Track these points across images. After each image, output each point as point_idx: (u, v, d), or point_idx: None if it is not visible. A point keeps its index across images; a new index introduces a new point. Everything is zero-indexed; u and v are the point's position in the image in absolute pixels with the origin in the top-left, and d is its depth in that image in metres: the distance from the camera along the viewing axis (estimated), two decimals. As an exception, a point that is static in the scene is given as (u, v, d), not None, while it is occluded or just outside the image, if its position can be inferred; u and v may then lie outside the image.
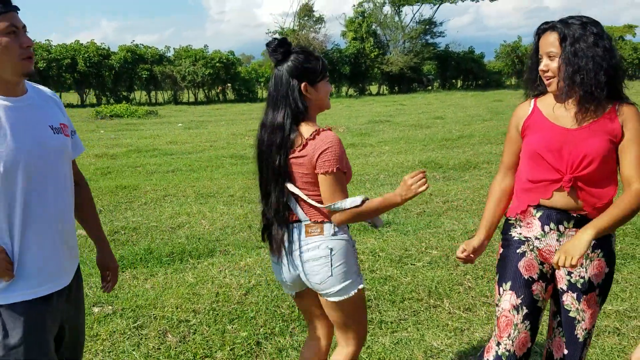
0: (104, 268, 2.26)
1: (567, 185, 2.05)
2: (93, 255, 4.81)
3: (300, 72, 2.08)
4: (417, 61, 38.50)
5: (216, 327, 3.44)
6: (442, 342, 3.24)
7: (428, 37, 40.67)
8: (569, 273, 2.14)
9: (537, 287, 2.17)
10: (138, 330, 3.41)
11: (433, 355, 3.13)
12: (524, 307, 2.14)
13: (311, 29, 36.41)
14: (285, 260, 2.18)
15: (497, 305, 2.22)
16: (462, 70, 41.05)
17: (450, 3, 40.68)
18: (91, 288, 4.04)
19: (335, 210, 2.05)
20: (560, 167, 2.06)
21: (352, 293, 2.15)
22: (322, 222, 2.10)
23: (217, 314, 3.61)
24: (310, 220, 2.11)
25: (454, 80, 42.31)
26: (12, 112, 1.74)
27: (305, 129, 2.08)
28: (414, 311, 3.66)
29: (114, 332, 3.37)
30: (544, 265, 2.18)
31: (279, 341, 3.28)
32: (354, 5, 40.98)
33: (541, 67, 2.09)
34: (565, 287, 2.16)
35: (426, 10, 67.99)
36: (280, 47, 2.09)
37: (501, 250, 2.29)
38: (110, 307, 3.71)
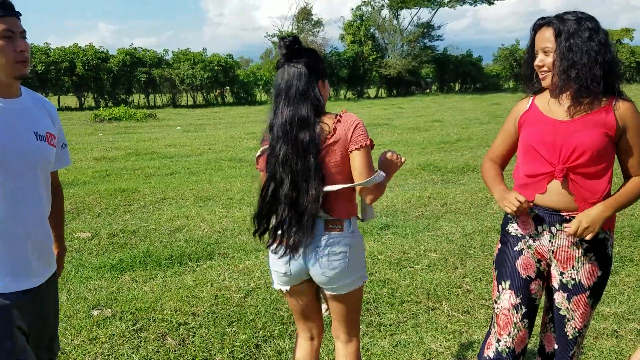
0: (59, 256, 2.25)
1: (559, 175, 2.06)
2: (92, 258, 4.83)
3: (316, 69, 2.14)
4: (415, 64, 38.63)
5: (215, 329, 3.45)
6: (440, 345, 3.25)
7: (426, 40, 40.84)
8: (561, 273, 2.16)
9: (534, 286, 2.20)
10: (137, 333, 3.41)
11: (432, 357, 3.13)
12: (523, 307, 2.18)
13: (310, 32, 36.49)
14: (285, 253, 2.20)
15: (495, 301, 2.26)
16: (460, 73, 41.17)
17: (449, 7, 40.84)
18: (90, 291, 4.04)
19: (372, 183, 2.11)
20: (552, 160, 2.07)
21: (360, 285, 2.30)
22: (342, 220, 2.17)
23: (217, 317, 3.61)
24: (331, 216, 2.16)
25: (452, 84, 42.41)
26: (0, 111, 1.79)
27: (327, 118, 2.13)
28: (412, 314, 3.66)
29: (113, 335, 3.37)
30: (541, 263, 2.20)
31: (278, 344, 3.28)
32: (353, 9, 41.17)
33: (536, 62, 2.11)
34: (556, 286, 2.19)
35: (424, 14, 68.37)
36: (295, 43, 2.12)
37: (499, 245, 2.32)
38: (109, 310, 3.71)
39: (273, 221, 2.19)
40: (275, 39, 36.92)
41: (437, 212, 6.26)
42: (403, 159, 2.26)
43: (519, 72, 2.35)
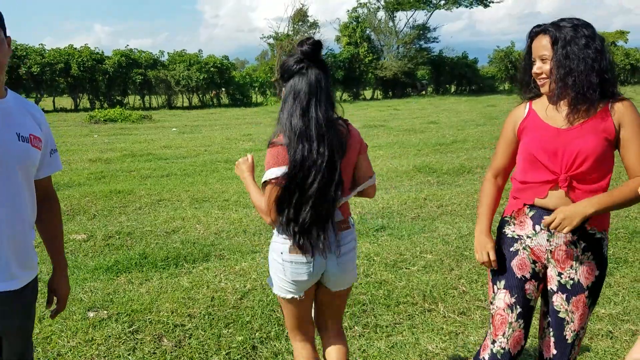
0: (51, 290, 2.15)
1: (563, 185, 2.07)
2: (87, 260, 4.82)
3: (329, 73, 2.22)
4: (411, 66, 38.72)
5: (212, 331, 3.45)
6: (437, 346, 3.26)
7: (422, 42, 40.98)
8: (560, 274, 2.16)
9: (529, 287, 2.21)
10: (133, 334, 3.41)
11: (428, 358, 3.14)
12: (518, 306, 2.19)
13: (306, 34, 36.49)
14: (319, 258, 2.21)
15: (491, 303, 2.26)
16: (455, 75, 41.29)
17: (445, 9, 40.98)
18: (86, 293, 4.03)
19: (374, 181, 2.33)
20: (555, 168, 2.07)
21: (356, 275, 2.43)
22: (348, 217, 2.29)
23: (213, 319, 3.61)
24: (342, 216, 2.26)
25: (447, 86, 42.52)
26: None
27: (339, 121, 2.23)
28: (408, 315, 3.67)
29: (109, 336, 3.37)
30: (536, 265, 2.21)
31: (275, 345, 3.28)
32: (348, 10, 41.24)
33: (534, 69, 2.11)
34: (555, 288, 2.19)
35: (420, 16, 68.41)
36: (320, 45, 2.17)
37: (496, 246, 2.31)
38: (105, 311, 3.71)
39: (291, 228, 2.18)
40: (271, 41, 36.95)
41: (433, 213, 6.28)
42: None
43: (515, 74, 2.36)
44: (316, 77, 2.12)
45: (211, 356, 3.17)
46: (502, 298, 2.21)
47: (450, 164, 9.31)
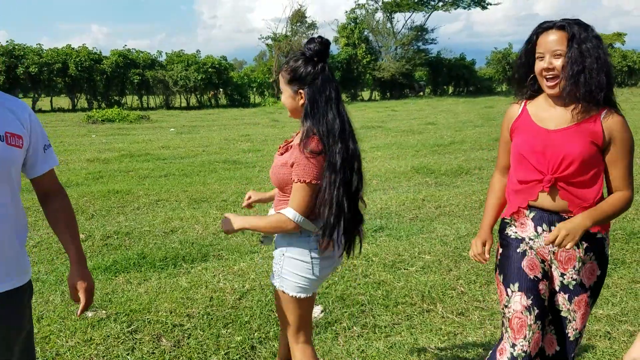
0: (72, 286, 1.98)
1: (546, 186, 2.09)
2: (86, 259, 4.80)
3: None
4: (409, 67, 38.75)
5: (210, 331, 3.45)
6: (435, 346, 3.27)
7: (420, 43, 40.98)
8: (562, 274, 2.17)
9: (542, 287, 2.17)
10: (132, 334, 3.40)
11: (426, 359, 3.15)
12: (535, 308, 2.13)
13: (304, 35, 36.49)
14: (338, 252, 2.30)
15: (505, 306, 2.19)
16: (453, 76, 41.38)
17: (443, 10, 41.03)
18: (84, 292, 4.02)
19: None
20: (542, 169, 2.10)
21: None
22: None
23: (212, 319, 3.61)
24: None
25: (445, 87, 42.61)
26: None
27: None
28: (407, 315, 3.68)
29: (108, 336, 3.37)
30: (545, 264, 2.20)
31: (274, 345, 3.28)
32: (347, 12, 41.24)
33: (544, 65, 2.07)
34: (557, 288, 2.19)
35: (418, 17, 68.50)
36: (329, 44, 2.21)
37: (501, 249, 2.29)
38: (104, 311, 3.70)
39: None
40: (269, 41, 36.95)
41: (431, 214, 6.29)
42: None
43: (511, 74, 2.35)
44: (334, 75, 2.20)
45: (210, 356, 3.17)
46: (518, 301, 2.14)
47: (448, 165, 9.32)
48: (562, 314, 2.20)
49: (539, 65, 2.10)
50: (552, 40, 2.05)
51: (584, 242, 2.13)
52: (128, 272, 4.48)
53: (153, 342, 3.32)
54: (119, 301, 3.86)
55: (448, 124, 17.20)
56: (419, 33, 40.55)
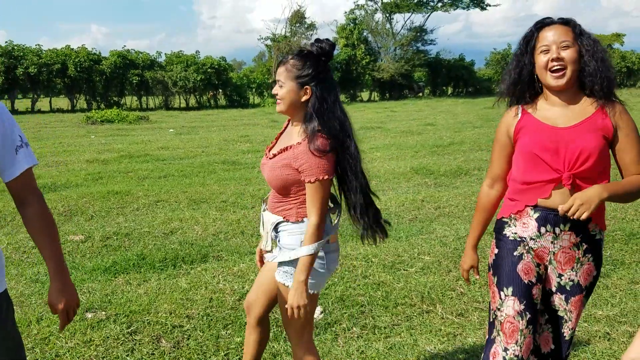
0: (51, 304, 1.83)
1: (567, 183, 2.06)
2: (85, 261, 4.81)
3: None
4: (408, 68, 38.75)
5: (210, 332, 3.45)
6: (435, 347, 3.27)
7: (419, 44, 40.98)
8: (560, 275, 2.17)
9: (536, 291, 2.17)
10: (132, 335, 3.40)
11: (426, 359, 3.15)
12: (527, 313, 2.13)
13: (303, 36, 36.50)
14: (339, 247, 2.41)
15: (498, 309, 2.19)
16: (452, 77, 41.40)
17: (442, 11, 41.06)
18: (84, 294, 4.03)
19: None
20: (558, 166, 2.07)
21: None
22: None
23: (211, 320, 3.61)
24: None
25: (444, 87, 42.62)
26: None
27: None
28: (407, 316, 3.68)
29: (108, 337, 3.37)
30: (540, 267, 2.19)
31: (273, 346, 3.28)
32: (346, 12, 41.22)
33: (552, 56, 2.06)
34: (554, 289, 2.20)
35: (417, 18, 68.54)
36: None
37: (496, 250, 2.27)
38: (103, 312, 3.70)
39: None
40: (269, 42, 36.95)
41: (431, 215, 6.29)
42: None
43: (506, 79, 2.32)
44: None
45: (209, 357, 3.17)
46: (510, 305, 2.15)
47: (447, 166, 9.33)
48: (559, 313, 2.21)
49: (543, 58, 2.09)
50: (557, 33, 2.07)
51: (584, 244, 2.13)
52: (128, 273, 4.48)
53: (153, 343, 3.32)
54: (119, 302, 3.86)
55: (447, 125, 17.21)
56: (418, 34, 40.56)
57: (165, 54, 33.91)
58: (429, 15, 41.09)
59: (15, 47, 28.86)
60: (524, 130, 2.17)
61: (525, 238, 2.18)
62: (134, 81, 30.90)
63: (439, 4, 40.79)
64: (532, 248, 2.18)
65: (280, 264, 2.30)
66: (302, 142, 2.19)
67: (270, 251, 2.42)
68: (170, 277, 4.39)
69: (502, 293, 2.19)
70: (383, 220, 2.38)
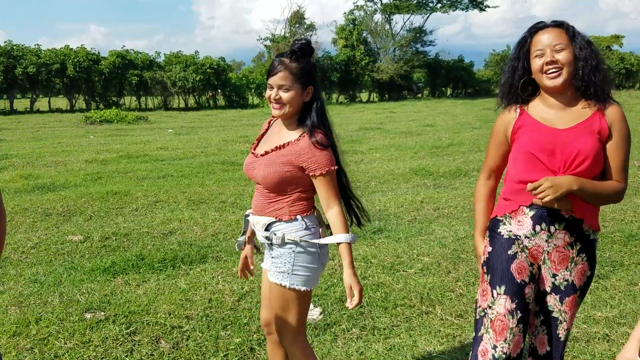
0: None
1: None
2: (84, 261, 4.81)
3: None
4: (407, 69, 38.75)
5: (209, 333, 3.44)
6: (434, 348, 3.27)
7: (418, 45, 40.96)
8: (554, 275, 2.18)
9: (528, 290, 2.18)
10: (131, 336, 3.40)
11: (426, 361, 3.15)
12: (519, 312, 2.15)
13: (302, 36, 36.48)
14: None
15: (489, 307, 2.20)
16: (451, 78, 41.40)
17: (441, 12, 41.08)
18: (83, 294, 4.02)
19: None
20: (553, 167, 2.08)
21: None
22: None
23: (210, 320, 3.61)
24: None
25: (443, 89, 42.62)
26: None
27: None
28: (406, 317, 3.68)
29: (107, 338, 3.36)
30: (533, 267, 2.20)
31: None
32: (345, 13, 41.24)
33: (547, 59, 2.07)
34: (548, 289, 2.21)
35: (417, 19, 68.52)
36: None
37: (490, 248, 2.27)
38: (102, 313, 3.70)
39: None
40: (268, 42, 36.94)
41: (430, 216, 6.29)
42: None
43: (502, 81, 2.33)
44: None
45: (209, 358, 3.17)
46: (502, 304, 2.17)
47: (446, 167, 9.33)
48: (554, 314, 2.21)
49: (538, 62, 2.10)
50: (551, 36, 2.08)
51: (578, 243, 2.14)
52: (127, 274, 4.47)
53: (152, 343, 3.32)
54: (118, 303, 3.85)
55: (446, 126, 17.22)
56: (418, 35, 40.55)
57: (164, 54, 33.89)
58: (428, 17, 41.11)
59: (14, 47, 28.81)
60: (522, 130, 2.18)
61: (520, 236, 2.19)
62: (133, 81, 30.85)
63: (438, 5, 40.82)
64: (526, 247, 2.18)
65: (275, 264, 2.30)
66: (301, 139, 2.22)
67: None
68: (169, 278, 4.39)
69: (494, 291, 2.19)
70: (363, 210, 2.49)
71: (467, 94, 41.28)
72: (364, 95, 41.42)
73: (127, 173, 9.20)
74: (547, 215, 2.13)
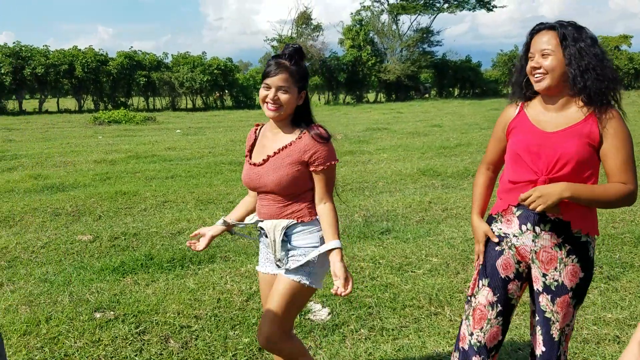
0: None
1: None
2: (94, 260, 4.83)
3: None
4: (414, 69, 38.71)
5: (218, 333, 3.45)
6: (443, 350, 3.26)
7: (425, 45, 40.91)
8: (544, 275, 2.20)
9: (512, 286, 2.27)
10: (140, 335, 3.41)
11: (435, 362, 3.14)
12: (499, 305, 2.26)
13: (309, 37, 36.54)
14: None
15: (473, 295, 2.33)
16: (459, 78, 41.32)
17: (448, 12, 40.99)
18: (92, 293, 4.04)
19: None
20: (537, 169, 2.11)
21: None
22: None
23: (219, 320, 3.62)
24: None
25: (450, 89, 42.53)
26: None
27: None
28: (415, 318, 3.67)
29: (116, 337, 3.38)
30: (520, 265, 2.26)
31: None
32: (352, 13, 41.24)
33: (532, 64, 2.12)
34: (540, 289, 2.23)
35: (424, 19, 68.43)
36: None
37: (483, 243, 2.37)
38: (112, 312, 3.71)
39: None
40: (275, 43, 36.99)
41: (438, 217, 6.28)
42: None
43: (510, 76, 2.36)
44: None
45: (217, 358, 3.18)
46: (484, 295, 2.28)
47: (454, 167, 9.30)
48: (547, 315, 2.23)
49: (529, 65, 2.14)
50: (542, 40, 2.10)
51: (566, 245, 2.14)
52: (136, 273, 4.49)
53: (161, 343, 3.33)
54: (127, 302, 3.87)
55: (454, 126, 17.17)
56: (424, 35, 40.49)
57: (172, 55, 34.07)
58: (435, 17, 41.03)
59: (23, 48, 29.04)
60: (515, 131, 2.24)
61: (508, 234, 2.25)
62: (141, 82, 31.02)
63: (445, 5, 40.73)
64: (514, 245, 2.24)
65: (295, 261, 2.30)
66: (302, 136, 2.26)
67: (279, 260, 2.39)
68: (178, 278, 4.40)
69: (480, 282, 2.32)
70: None
71: (475, 94, 41.17)
72: (371, 96, 41.40)
73: (135, 173, 9.24)
74: (532, 216, 2.16)
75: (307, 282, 2.30)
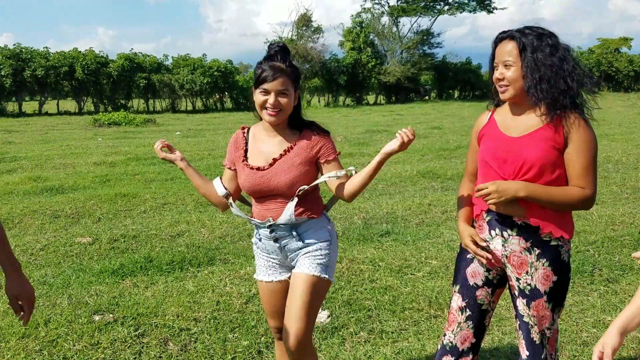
0: (14, 296, 1.96)
1: None
2: (93, 263, 4.82)
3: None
4: (415, 71, 38.72)
5: (217, 335, 3.45)
6: (442, 352, 3.25)
7: (425, 47, 40.94)
8: (517, 279, 2.21)
9: (481, 293, 2.31)
10: (139, 338, 3.41)
11: (434, 365, 3.14)
12: (468, 310, 2.32)
13: (309, 39, 36.55)
14: None
15: (451, 299, 2.41)
16: (459, 80, 41.33)
17: (448, 14, 41.04)
18: (91, 296, 4.04)
19: None
20: (504, 175, 2.14)
21: None
22: None
23: (218, 323, 3.61)
24: None
25: (451, 91, 42.55)
26: None
27: None
28: (414, 321, 3.67)
29: (115, 340, 3.37)
30: (490, 272, 2.29)
31: (280, 350, 3.28)
32: (352, 16, 41.29)
33: (496, 75, 2.14)
34: (516, 293, 2.24)
35: (424, 21, 68.45)
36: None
37: (459, 250, 2.43)
38: (111, 315, 3.71)
39: None
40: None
41: (438, 219, 6.27)
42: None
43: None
44: None
45: (217, 361, 3.17)
46: (456, 300, 2.35)
47: (454, 170, 9.30)
48: (525, 319, 2.23)
49: (494, 75, 2.17)
50: (504, 51, 2.12)
51: (536, 249, 2.15)
52: (135, 276, 4.49)
53: (160, 346, 3.32)
54: (126, 305, 3.86)
55: (454, 129, 17.18)
56: (425, 37, 40.53)
57: (172, 57, 34.10)
58: (435, 19, 41.09)
59: (23, 50, 29.06)
60: (484, 138, 2.27)
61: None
62: (141, 84, 31.04)
63: (445, 8, 40.78)
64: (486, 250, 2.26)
65: (313, 256, 2.32)
66: (304, 134, 2.29)
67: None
68: (177, 280, 4.40)
69: (453, 288, 2.40)
70: None
71: (475, 97, 41.18)
72: (370, 98, 41.42)
73: (135, 175, 9.24)
74: (499, 220, 2.19)
75: (327, 276, 2.33)
